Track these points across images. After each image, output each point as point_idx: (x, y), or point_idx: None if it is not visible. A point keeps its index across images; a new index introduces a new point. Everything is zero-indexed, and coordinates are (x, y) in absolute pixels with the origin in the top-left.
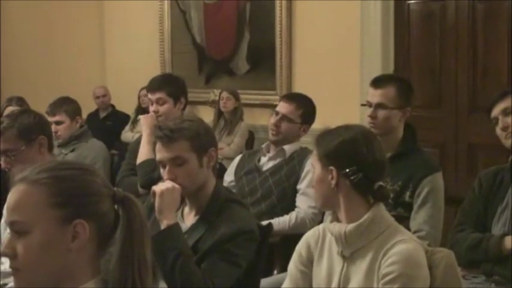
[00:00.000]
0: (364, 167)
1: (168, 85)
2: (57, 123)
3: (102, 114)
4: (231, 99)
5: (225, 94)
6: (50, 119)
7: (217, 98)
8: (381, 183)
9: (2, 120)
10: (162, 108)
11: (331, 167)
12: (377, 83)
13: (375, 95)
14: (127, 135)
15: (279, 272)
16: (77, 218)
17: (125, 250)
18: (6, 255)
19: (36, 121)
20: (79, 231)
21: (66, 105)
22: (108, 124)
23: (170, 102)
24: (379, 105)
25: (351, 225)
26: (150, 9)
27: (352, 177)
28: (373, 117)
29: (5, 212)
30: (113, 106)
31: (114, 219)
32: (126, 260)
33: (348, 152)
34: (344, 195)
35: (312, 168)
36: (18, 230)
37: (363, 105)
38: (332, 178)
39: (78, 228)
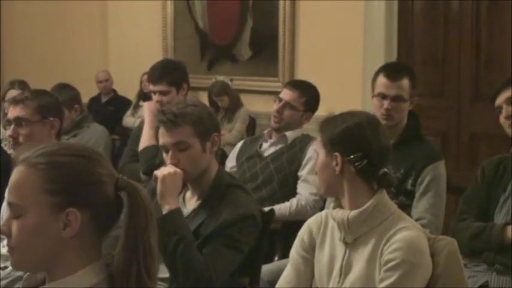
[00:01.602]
0: (369, 154)
1: (169, 74)
2: None
3: (104, 99)
4: (224, 99)
5: (215, 98)
6: None
7: None
8: (385, 169)
9: (25, 92)
10: (166, 98)
11: (336, 153)
12: (392, 74)
13: (392, 88)
14: (128, 120)
15: (279, 259)
16: (70, 207)
17: (129, 237)
18: (2, 233)
19: (55, 103)
20: (71, 220)
21: (63, 95)
22: (110, 109)
23: (173, 91)
24: (396, 98)
25: (354, 212)
26: None
27: (356, 164)
28: (389, 109)
29: (7, 194)
30: (114, 91)
31: (116, 205)
32: (130, 247)
33: (353, 138)
34: (348, 181)
35: (315, 154)
36: (13, 211)
37: (373, 97)
38: (336, 164)
39: (70, 217)
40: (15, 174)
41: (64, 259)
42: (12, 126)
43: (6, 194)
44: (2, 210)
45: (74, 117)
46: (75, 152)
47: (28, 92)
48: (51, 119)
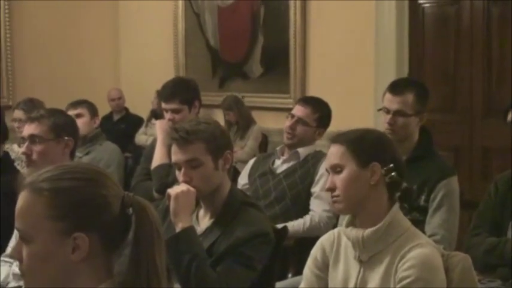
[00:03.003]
0: (397, 166)
1: (181, 93)
2: (78, 115)
3: (116, 117)
4: (230, 114)
5: (224, 112)
6: (71, 111)
7: None
8: (405, 184)
9: (40, 110)
10: (178, 117)
11: (375, 163)
12: (396, 89)
13: (394, 102)
14: (141, 138)
15: (293, 276)
16: (76, 231)
17: (134, 256)
18: (14, 258)
19: (70, 122)
20: (79, 244)
21: (87, 103)
22: (122, 127)
23: (185, 109)
24: (397, 113)
25: (369, 230)
26: (164, 11)
27: (391, 175)
28: (391, 124)
29: None
30: (126, 109)
31: (125, 223)
32: (134, 266)
33: (386, 148)
34: (377, 194)
35: (325, 171)
36: (21, 236)
37: (379, 110)
38: (372, 175)
39: (78, 241)
40: (21, 199)
41: (76, 280)
42: (26, 143)
43: None
44: (15, 231)
45: (93, 126)
46: (78, 176)
47: (44, 110)
48: (66, 138)
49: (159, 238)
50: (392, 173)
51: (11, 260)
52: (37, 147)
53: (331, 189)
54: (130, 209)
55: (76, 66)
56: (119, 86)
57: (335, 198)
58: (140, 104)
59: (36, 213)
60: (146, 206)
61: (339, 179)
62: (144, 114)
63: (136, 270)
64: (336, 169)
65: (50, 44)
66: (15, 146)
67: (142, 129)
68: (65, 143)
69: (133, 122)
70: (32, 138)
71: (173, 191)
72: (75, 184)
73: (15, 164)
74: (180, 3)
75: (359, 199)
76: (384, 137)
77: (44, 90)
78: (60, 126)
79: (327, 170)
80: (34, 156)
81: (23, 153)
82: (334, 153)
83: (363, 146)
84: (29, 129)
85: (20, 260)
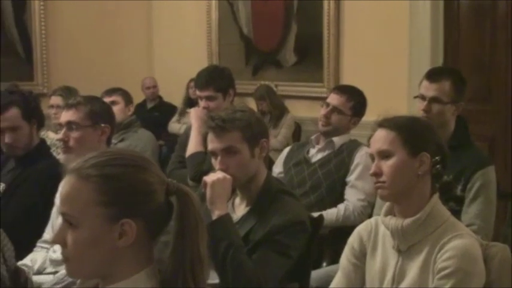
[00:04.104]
0: (443, 158)
1: (215, 80)
2: (113, 103)
3: (150, 105)
4: (262, 104)
5: (256, 102)
6: (106, 99)
7: None
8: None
9: (77, 97)
10: (212, 104)
11: (425, 153)
12: (432, 76)
13: (430, 89)
14: (174, 126)
15: (328, 265)
16: (124, 217)
17: (178, 243)
18: (57, 243)
19: (107, 109)
20: (126, 230)
21: (122, 90)
22: (155, 115)
23: (219, 97)
24: (433, 99)
25: (409, 220)
26: (198, 0)
27: (437, 166)
28: (427, 111)
29: (57, 200)
30: (160, 97)
31: (167, 211)
32: (178, 254)
33: (435, 139)
34: (423, 184)
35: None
36: (68, 221)
37: (415, 97)
38: (421, 165)
39: (125, 227)
40: (67, 185)
41: (119, 266)
42: (64, 130)
43: (56, 201)
44: (52, 214)
45: (127, 113)
46: (126, 162)
47: (81, 97)
48: (102, 125)
49: (202, 224)
50: (438, 165)
51: (48, 246)
52: (74, 134)
53: (377, 175)
54: (174, 196)
55: (110, 55)
56: (153, 74)
57: (380, 184)
58: (174, 92)
59: (84, 198)
60: (189, 193)
61: (387, 165)
62: (177, 102)
63: (181, 257)
64: (383, 155)
65: (84, 32)
66: (50, 133)
67: (175, 118)
68: (102, 129)
69: (166, 110)
70: (69, 125)
71: (209, 178)
72: (123, 170)
73: (52, 150)
74: None
75: (405, 188)
76: (433, 127)
77: (79, 79)
78: (97, 113)
79: (371, 154)
80: (71, 143)
81: (60, 139)
82: (382, 138)
83: (415, 134)
84: (66, 116)
85: (64, 245)
